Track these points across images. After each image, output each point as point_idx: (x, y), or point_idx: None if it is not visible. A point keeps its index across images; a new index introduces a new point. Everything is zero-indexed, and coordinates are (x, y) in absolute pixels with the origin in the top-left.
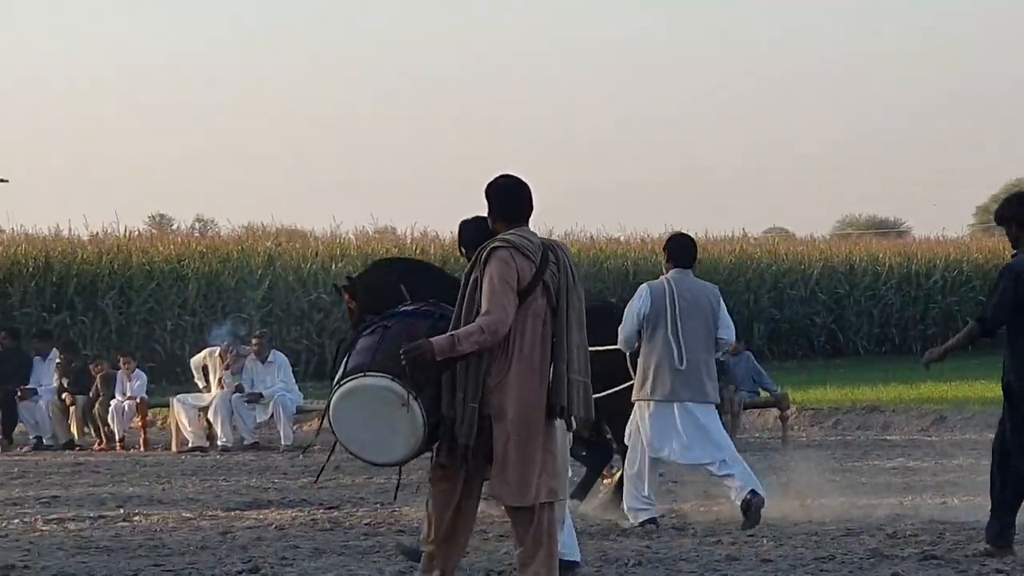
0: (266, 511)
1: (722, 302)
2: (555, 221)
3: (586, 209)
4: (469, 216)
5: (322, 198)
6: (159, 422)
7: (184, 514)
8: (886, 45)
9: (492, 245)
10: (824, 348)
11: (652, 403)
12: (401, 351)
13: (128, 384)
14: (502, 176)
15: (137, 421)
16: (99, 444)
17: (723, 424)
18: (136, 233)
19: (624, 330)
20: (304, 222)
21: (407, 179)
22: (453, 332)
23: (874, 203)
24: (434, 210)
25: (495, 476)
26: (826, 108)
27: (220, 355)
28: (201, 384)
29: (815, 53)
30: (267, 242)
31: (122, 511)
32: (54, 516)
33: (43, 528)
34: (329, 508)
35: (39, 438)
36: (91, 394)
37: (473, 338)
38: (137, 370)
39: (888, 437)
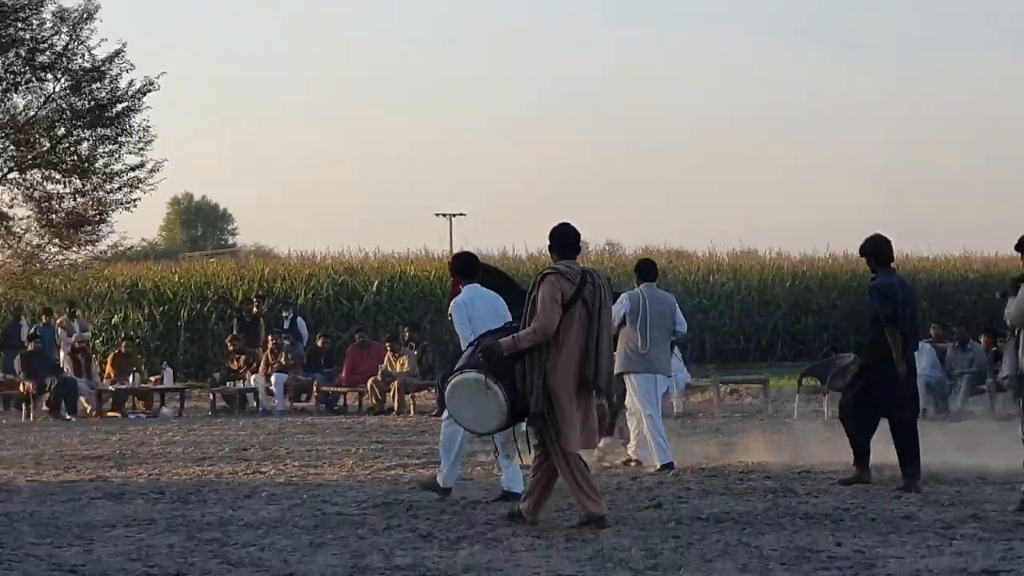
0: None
1: (677, 306)
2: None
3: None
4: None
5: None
6: None
7: (603, 463)
8: None
9: (545, 272)
10: None
11: (628, 375)
12: (479, 349)
13: None
14: (562, 224)
15: None
16: None
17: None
18: None
19: None
20: (688, 243)
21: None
22: (515, 335)
23: None
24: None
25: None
26: None
27: None
28: None
29: None
30: (661, 260)
31: None
32: None
33: None
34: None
35: None
36: None
37: (529, 337)
38: None
39: None
